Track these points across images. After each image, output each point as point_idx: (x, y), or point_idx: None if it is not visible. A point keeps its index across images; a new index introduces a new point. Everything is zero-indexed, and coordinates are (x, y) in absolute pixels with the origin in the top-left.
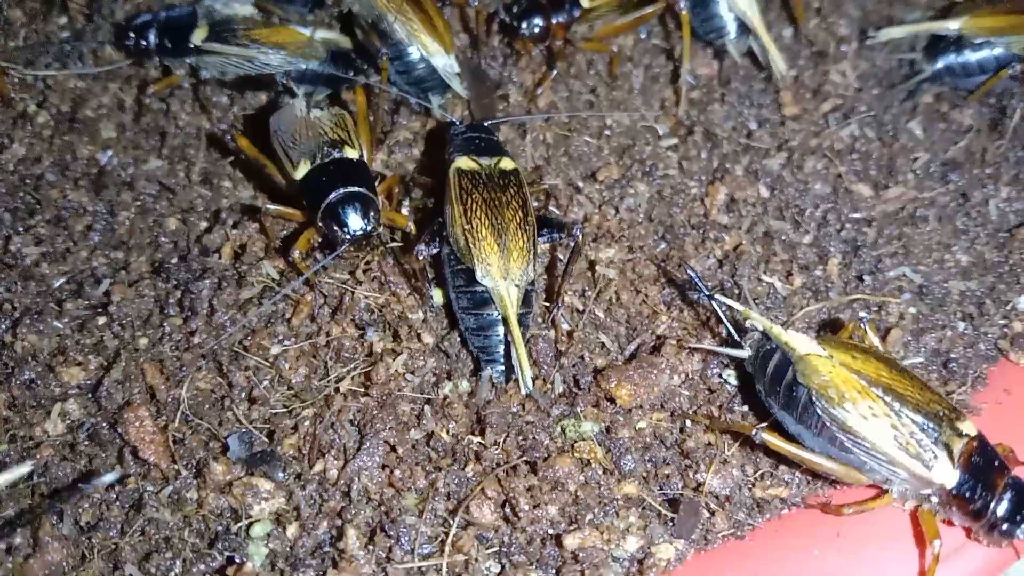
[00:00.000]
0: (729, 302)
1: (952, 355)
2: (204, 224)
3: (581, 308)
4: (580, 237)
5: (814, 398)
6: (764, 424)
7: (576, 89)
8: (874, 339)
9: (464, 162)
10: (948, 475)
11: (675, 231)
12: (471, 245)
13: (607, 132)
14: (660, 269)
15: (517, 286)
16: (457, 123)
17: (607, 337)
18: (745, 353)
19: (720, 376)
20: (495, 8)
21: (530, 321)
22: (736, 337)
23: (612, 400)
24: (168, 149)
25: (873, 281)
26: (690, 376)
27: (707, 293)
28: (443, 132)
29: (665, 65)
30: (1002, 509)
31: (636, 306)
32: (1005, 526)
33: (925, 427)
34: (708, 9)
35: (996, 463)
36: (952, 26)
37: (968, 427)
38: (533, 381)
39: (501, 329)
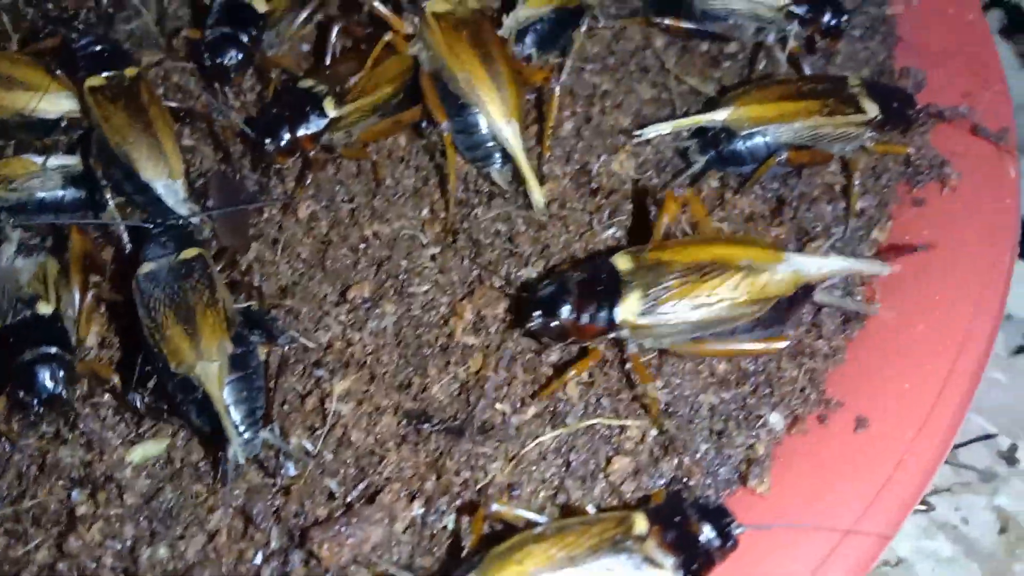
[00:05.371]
0: None
1: (689, 484)
2: None
3: (311, 449)
4: (287, 345)
5: None
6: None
7: (340, 197)
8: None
9: (145, 267)
10: None
11: (421, 354)
12: (160, 342)
13: (363, 245)
14: (393, 401)
15: (215, 361)
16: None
17: (333, 481)
18: None
19: (441, 521)
20: (239, 121)
21: (256, 375)
22: None
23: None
24: None
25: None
26: (414, 522)
27: None
28: None
29: (441, 163)
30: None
31: (367, 445)
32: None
33: None
34: (473, 137)
35: None
36: (718, 118)
37: None
38: None
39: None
